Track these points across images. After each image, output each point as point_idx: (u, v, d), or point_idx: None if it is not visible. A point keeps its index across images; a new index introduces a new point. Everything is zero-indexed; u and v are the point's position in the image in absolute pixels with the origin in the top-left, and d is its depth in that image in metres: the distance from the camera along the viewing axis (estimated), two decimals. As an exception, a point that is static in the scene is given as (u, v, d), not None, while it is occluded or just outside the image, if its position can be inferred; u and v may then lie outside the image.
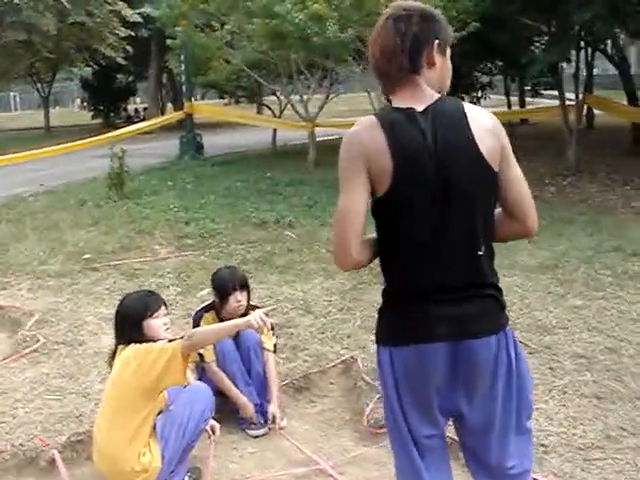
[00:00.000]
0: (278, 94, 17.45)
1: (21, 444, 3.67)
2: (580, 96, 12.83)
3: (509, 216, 2.30)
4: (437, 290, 2.20)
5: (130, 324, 3.38)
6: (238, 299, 4.02)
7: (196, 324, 4.00)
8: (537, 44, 14.41)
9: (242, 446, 3.87)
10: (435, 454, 2.38)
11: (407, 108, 2.17)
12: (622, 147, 15.17)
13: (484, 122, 2.20)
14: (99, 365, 4.73)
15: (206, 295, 6.23)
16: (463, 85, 17.23)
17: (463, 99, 18.34)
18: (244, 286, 4.06)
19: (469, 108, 2.23)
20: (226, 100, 22.27)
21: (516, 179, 2.27)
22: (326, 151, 16.09)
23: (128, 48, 23.17)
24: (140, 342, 3.29)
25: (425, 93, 2.23)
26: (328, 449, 3.82)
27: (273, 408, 3.99)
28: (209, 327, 3.47)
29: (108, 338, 5.23)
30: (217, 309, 4.08)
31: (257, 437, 3.95)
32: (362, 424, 4.02)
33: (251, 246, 8.00)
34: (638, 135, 15.17)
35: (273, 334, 4.23)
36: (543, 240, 7.89)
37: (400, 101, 2.22)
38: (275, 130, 17.76)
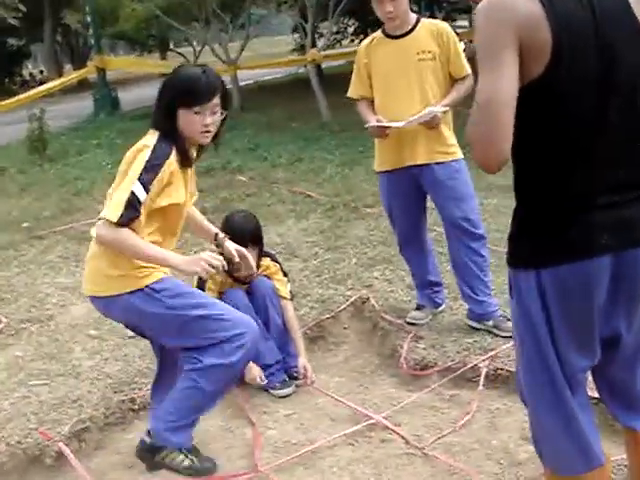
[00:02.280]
0: (193, 41, 16.44)
1: (19, 442, 3.07)
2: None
3: None
4: (601, 191, 1.77)
5: (164, 105, 2.69)
6: None
7: (201, 279, 3.41)
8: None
9: (273, 409, 3.38)
10: (583, 391, 1.98)
11: None
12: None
13: None
14: (80, 339, 4.13)
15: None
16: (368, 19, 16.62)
17: (366, 32, 17.72)
18: (256, 241, 3.51)
19: None
20: (137, 52, 20.99)
21: None
22: (248, 95, 15.41)
23: (21, 7, 21.38)
24: (169, 133, 2.65)
25: None
26: (372, 400, 3.38)
27: (302, 361, 3.52)
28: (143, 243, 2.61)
29: (78, 309, 4.63)
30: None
31: (285, 397, 3.48)
32: (399, 367, 3.60)
33: (204, 195, 7.35)
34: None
35: (287, 280, 3.72)
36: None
37: None
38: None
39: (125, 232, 2.54)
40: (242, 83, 16.22)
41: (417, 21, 3.62)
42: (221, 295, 3.48)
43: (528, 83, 1.69)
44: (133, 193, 2.52)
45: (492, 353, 3.47)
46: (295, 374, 3.58)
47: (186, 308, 2.69)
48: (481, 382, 3.28)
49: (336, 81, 15.24)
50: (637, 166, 1.83)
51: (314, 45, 14.59)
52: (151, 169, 2.57)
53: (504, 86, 1.64)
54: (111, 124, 13.52)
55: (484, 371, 3.33)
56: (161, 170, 2.59)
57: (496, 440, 2.97)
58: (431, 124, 3.56)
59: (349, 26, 16.88)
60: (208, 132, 2.70)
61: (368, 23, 17.53)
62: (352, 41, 18.13)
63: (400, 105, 3.62)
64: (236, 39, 15.63)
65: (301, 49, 18.33)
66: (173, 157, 2.65)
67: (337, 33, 18.17)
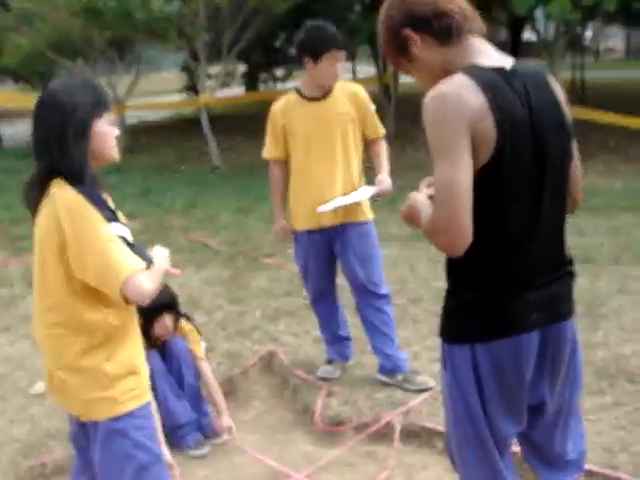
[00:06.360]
0: (77, 77, 16.04)
1: None
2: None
3: None
4: (533, 272, 1.94)
5: (75, 126, 2.11)
6: (166, 324, 3.48)
7: None
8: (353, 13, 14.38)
9: (189, 470, 3.34)
10: (509, 454, 2.13)
11: (498, 68, 1.87)
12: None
13: (559, 87, 2.01)
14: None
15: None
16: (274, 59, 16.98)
17: (274, 76, 18.03)
18: (171, 307, 3.50)
19: (545, 71, 2.02)
20: (22, 86, 20.25)
21: (575, 148, 2.07)
22: (134, 136, 15.20)
23: None
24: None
25: (496, 52, 1.96)
26: (290, 457, 3.40)
27: (226, 419, 3.51)
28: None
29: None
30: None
31: (201, 457, 3.45)
32: (314, 424, 3.64)
33: (98, 242, 7.21)
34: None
35: (201, 338, 3.71)
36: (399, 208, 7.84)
37: (477, 58, 1.89)
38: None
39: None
40: (135, 121, 16.00)
41: None
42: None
43: (474, 172, 1.82)
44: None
45: (404, 408, 3.58)
46: (210, 434, 3.57)
47: None
48: (396, 438, 3.38)
49: (224, 123, 15.33)
50: (559, 247, 2.02)
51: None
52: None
53: (463, 176, 1.75)
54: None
55: (398, 427, 3.44)
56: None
57: (415, 496, 3.08)
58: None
59: (237, 68, 17.15)
60: None
61: (256, 66, 17.85)
62: (241, 84, 18.44)
63: (322, 165, 3.70)
64: (123, 75, 15.42)
65: (190, 89, 18.32)
66: None
67: (227, 75, 18.34)
